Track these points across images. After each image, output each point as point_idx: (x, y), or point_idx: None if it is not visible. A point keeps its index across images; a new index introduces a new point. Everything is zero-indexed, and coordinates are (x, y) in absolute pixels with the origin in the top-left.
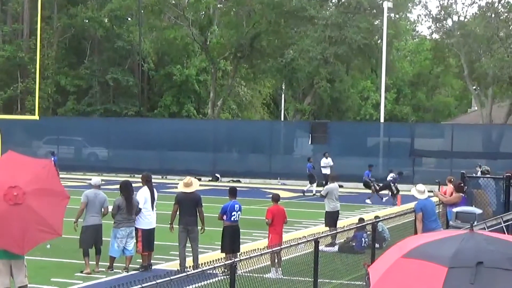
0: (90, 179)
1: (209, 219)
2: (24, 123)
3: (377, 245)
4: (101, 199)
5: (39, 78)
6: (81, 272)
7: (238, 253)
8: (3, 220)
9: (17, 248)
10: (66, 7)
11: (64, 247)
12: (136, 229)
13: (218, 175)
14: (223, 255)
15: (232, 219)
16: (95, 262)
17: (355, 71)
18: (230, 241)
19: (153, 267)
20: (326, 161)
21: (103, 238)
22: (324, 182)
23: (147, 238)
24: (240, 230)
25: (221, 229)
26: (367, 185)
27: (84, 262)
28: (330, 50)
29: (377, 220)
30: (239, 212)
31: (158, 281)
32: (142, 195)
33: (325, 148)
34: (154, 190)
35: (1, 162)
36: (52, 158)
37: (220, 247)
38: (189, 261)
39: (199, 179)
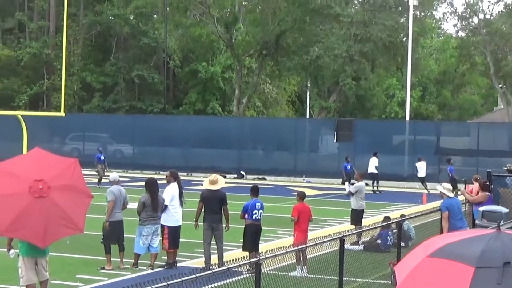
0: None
1: (234, 217)
2: (50, 119)
3: (402, 244)
4: (124, 195)
5: (65, 75)
6: (102, 268)
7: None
8: (27, 212)
9: (39, 241)
10: (92, 4)
11: (89, 244)
12: (162, 226)
13: (243, 173)
14: (245, 253)
15: (254, 217)
16: (119, 259)
17: (380, 69)
18: (251, 239)
19: (178, 265)
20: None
21: (125, 235)
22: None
23: (173, 236)
24: (265, 228)
25: (244, 227)
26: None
27: (105, 258)
28: (356, 48)
29: (403, 218)
30: (260, 211)
31: (183, 278)
32: (170, 192)
33: (350, 146)
34: (182, 187)
35: (28, 156)
36: (101, 156)
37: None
38: (214, 259)
39: (224, 177)
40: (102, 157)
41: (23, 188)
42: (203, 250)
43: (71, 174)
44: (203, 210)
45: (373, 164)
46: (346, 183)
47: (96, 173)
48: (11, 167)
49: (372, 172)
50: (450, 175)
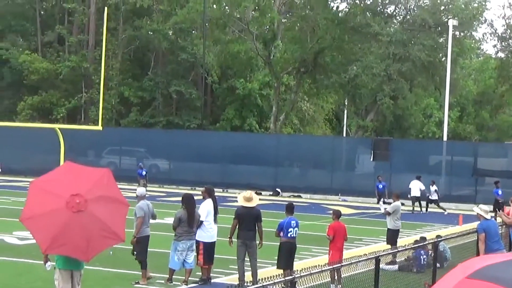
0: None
1: (269, 234)
2: (88, 133)
3: (438, 265)
4: (151, 209)
5: (103, 89)
6: (137, 282)
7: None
8: (67, 227)
9: (82, 255)
10: (131, 19)
11: (123, 258)
12: (198, 242)
13: (278, 190)
14: (280, 271)
15: (289, 235)
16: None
17: (418, 89)
18: (286, 257)
19: (212, 281)
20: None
21: (160, 250)
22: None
23: (208, 252)
24: (300, 245)
25: (279, 244)
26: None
27: (141, 273)
28: (394, 67)
29: (439, 239)
30: (296, 228)
31: None
32: (205, 208)
33: (386, 166)
34: (217, 203)
35: (61, 171)
36: (143, 171)
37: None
38: (248, 276)
39: (260, 193)
40: (144, 172)
41: (60, 204)
42: (237, 267)
43: (105, 184)
44: (237, 226)
45: (417, 187)
46: (380, 201)
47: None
48: (45, 185)
49: (416, 196)
50: (496, 198)
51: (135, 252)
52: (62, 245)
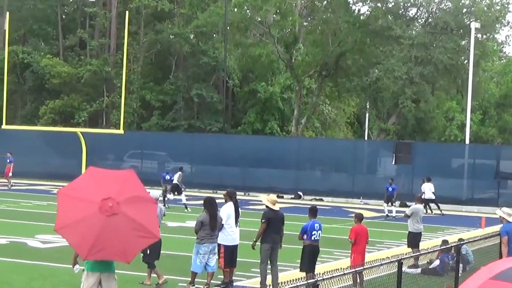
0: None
1: (292, 237)
2: (109, 137)
3: (460, 268)
4: (163, 212)
5: (124, 93)
6: (142, 283)
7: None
8: (104, 232)
9: (121, 257)
10: (152, 23)
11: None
12: (219, 245)
13: (300, 193)
14: (302, 274)
15: (313, 238)
16: (147, 274)
17: (440, 92)
18: (309, 260)
19: (234, 284)
20: (425, 186)
21: (182, 253)
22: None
23: (229, 255)
24: (322, 249)
25: (301, 247)
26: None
27: (147, 274)
28: (416, 70)
29: (462, 242)
30: (319, 231)
31: None
32: (226, 211)
33: (408, 169)
34: (239, 206)
35: (86, 177)
36: (166, 176)
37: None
38: (268, 280)
39: (282, 197)
40: (168, 177)
41: (93, 209)
42: (259, 270)
43: (132, 184)
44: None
45: (429, 190)
46: (384, 204)
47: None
48: (73, 192)
49: (430, 198)
50: None
51: (143, 255)
52: (101, 250)
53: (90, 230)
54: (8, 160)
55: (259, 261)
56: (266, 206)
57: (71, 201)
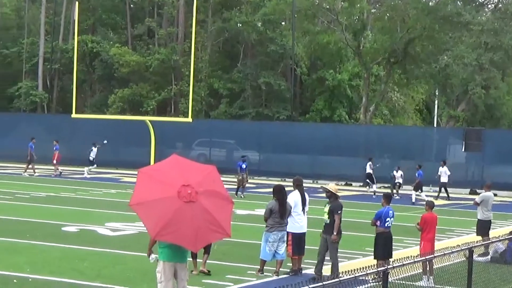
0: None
1: (360, 225)
2: (178, 125)
3: None
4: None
5: (192, 81)
6: (191, 272)
7: (390, 260)
8: (178, 216)
9: (190, 245)
10: (220, 11)
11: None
12: (287, 232)
13: (368, 181)
14: (374, 261)
15: (386, 225)
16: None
17: (511, 78)
18: (383, 247)
19: (303, 272)
20: (442, 170)
21: (251, 241)
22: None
23: (297, 242)
24: (392, 236)
25: (371, 235)
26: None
27: (194, 264)
28: (486, 56)
29: None
30: (392, 219)
31: (310, 286)
32: (292, 199)
33: (478, 156)
34: (306, 194)
35: (169, 163)
36: (243, 164)
37: (373, 254)
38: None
39: (350, 184)
40: (244, 166)
41: (171, 193)
42: (329, 258)
43: (213, 180)
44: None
45: (445, 173)
46: (413, 191)
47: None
48: (154, 173)
49: (444, 182)
50: None
51: None
52: (171, 232)
53: (164, 211)
54: (54, 148)
55: (331, 249)
56: (331, 195)
57: (150, 181)
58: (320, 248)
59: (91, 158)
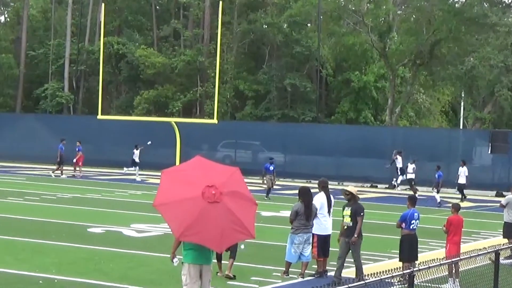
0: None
1: (386, 227)
2: (203, 126)
3: None
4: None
5: (218, 83)
6: (216, 273)
7: (416, 262)
8: (202, 217)
9: (215, 245)
10: (246, 13)
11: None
12: (312, 234)
13: (394, 183)
14: (400, 264)
15: (411, 227)
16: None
17: None
18: (409, 250)
19: (328, 274)
20: (461, 170)
21: (276, 243)
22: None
23: (322, 244)
24: (418, 239)
25: (397, 237)
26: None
27: (218, 266)
28: None
29: None
30: (417, 221)
31: None
32: (318, 200)
33: (505, 158)
34: (331, 196)
35: (193, 164)
36: (270, 166)
37: (398, 256)
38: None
39: (375, 186)
40: (272, 168)
41: (196, 193)
42: (352, 261)
43: (237, 181)
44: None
45: (464, 174)
46: (435, 192)
47: (264, 184)
48: (178, 174)
49: (462, 183)
50: None
51: None
52: (196, 233)
53: (189, 212)
54: (77, 149)
55: (354, 252)
56: (351, 197)
57: (175, 182)
58: (341, 252)
59: (137, 160)
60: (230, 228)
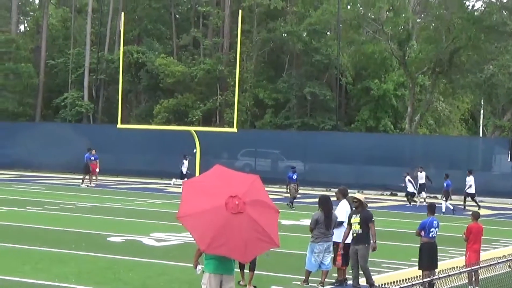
0: (288, 192)
1: (405, 235)
2: (223, 135)
3: None
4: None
5: (238, 91)
6: (239, 282)
7: (435, 270)
8: (226, 228)
9: (241, 256)
10: (265, 21)
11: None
12: (337, 243)
13: (414, 191)
14: (419, 272)
15: (430, 235)
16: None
17: None
18: (428, 258)
19: (348, 282)
20: (421, 175)
21: (296, 252)
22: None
23: (345, 253)
24: (438, 247)
25: (417, 245)
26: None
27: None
28: None
29: None
30: (437, 229)
31: None
32: (344, 209)
33: None
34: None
35: (214, 173)
36: (293, 175)
37: (417, 264)
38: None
39: (395, 194)
40: (295, 176)
41: (219, 204)
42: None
43: (258, 189)
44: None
45: (470, 184)
46: (443, 201)
47: (288, 193)
48: (200, 185)
49: (472, 193)
50: None
51: None
52: (221, 245)
53: (213, 223)
54: (93, 158)
55: (373, 260)
56: (359, 204)
57: (197, 193)
58: (352, 261)
59: (184, 171)
60: (255, 238)
